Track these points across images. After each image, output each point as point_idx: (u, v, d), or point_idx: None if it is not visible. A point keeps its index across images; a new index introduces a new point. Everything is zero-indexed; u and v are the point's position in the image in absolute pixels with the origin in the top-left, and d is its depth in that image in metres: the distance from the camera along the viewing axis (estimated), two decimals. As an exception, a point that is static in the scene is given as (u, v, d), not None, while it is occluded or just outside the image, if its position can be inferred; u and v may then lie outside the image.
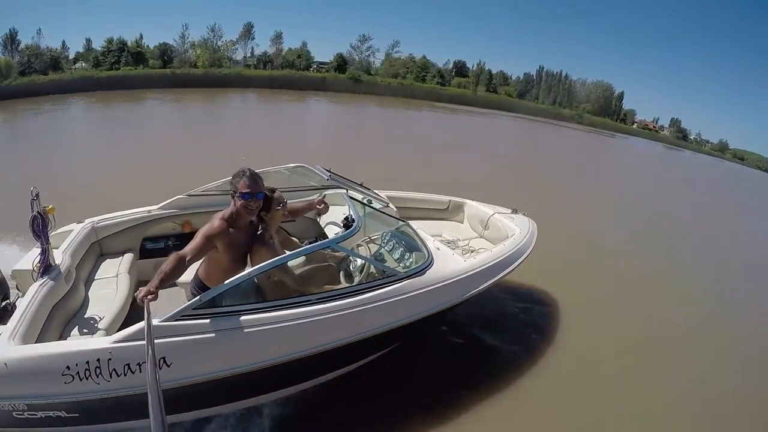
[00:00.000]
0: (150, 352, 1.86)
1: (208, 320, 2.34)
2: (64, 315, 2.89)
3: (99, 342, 2.28)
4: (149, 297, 2.09)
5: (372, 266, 3.15)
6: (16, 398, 2.17)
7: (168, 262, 2.26)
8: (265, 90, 37.74)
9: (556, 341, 4.52)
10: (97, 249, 3.77)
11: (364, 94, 43.92)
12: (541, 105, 63.02)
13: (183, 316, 2.30)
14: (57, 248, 3.19)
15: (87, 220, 3.72)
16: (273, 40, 50.07)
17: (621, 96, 70.61)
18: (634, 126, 70.82)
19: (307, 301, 2.58)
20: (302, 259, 3.34)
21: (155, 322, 2.21)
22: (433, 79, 55.41)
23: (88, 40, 42.20)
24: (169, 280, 2.25)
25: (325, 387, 3.21)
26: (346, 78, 47.35)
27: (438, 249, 3.47)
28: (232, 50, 46.86)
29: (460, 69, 62.09)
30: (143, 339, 1.98)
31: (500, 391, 3.65)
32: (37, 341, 2.42)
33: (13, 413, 2.22)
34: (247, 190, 2.49)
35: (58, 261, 2.98)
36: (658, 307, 5.92)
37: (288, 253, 2.65)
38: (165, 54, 42.44)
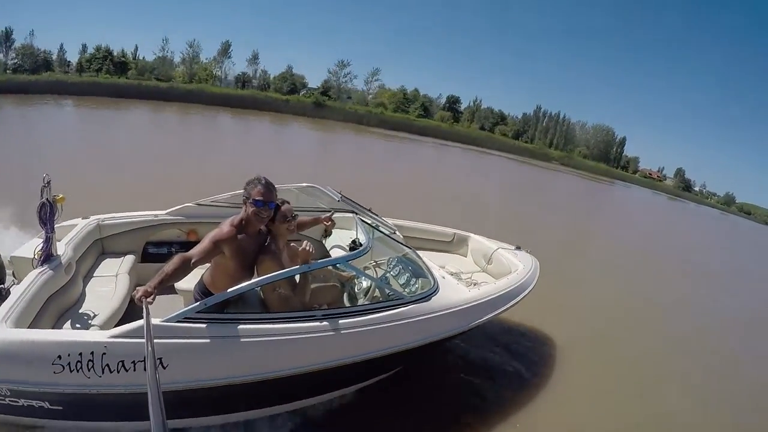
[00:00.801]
0: (150, 349, 1.81)
1: (210, 325, 2.27)
2: (60, 306, 2.82)
3: (96, 335, 2.21)
4: (148, 297, 2.03)
5: (377, 289, 3.11)
6: (1, 382, 2.08)
7: (171, 263, 2.21)
8: (226, 108, 38.78)
9: (556, 375, 4.52)
10: (99, 247, 3.72)
11: (322, 118, 44.81)
12: (525, 144, 62.47)
13: (186, 318, 2.23)
14: (59, 240, 3.15)
15: (92, 217, 3.70)
16: (249, 60, 52.63)
17: (623, 142, 70.17)
18: (636, 174, 70.23)
19: (311, 316, 2.52)
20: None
21: (156, 321, 2.15)
22: (415, 111, 56.89)
23: (84, 46, 44.16)
24: (170, 281, 2.20)
25: (326, 405, 3.14)
26: (310, 102, 48.82)
27: (443, 277, 3.44)
28: (217, 68, 49.19)
29: (453, 104, 63.64)
30: (142, 337, 1.92)
31: (498, 420, 3.62)
32: (30, 328, 2.35)
33: None
34: (260, 198, 2.46)
35: (60, 252, 2.94)
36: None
37: (294, 267, 2.60)
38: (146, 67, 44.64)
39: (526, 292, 3.86)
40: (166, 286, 2.21)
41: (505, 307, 3.55)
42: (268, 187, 2.51)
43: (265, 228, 2.66)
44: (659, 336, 6.43)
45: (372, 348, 2.68)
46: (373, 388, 3.32)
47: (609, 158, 68.02)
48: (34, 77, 34.89)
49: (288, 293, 2.60)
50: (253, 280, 2.39)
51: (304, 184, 4.27)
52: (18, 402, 2.17)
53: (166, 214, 3.91)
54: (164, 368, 2.17)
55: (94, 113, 23.91)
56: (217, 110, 36.50)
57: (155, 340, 2.08)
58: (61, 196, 2.80)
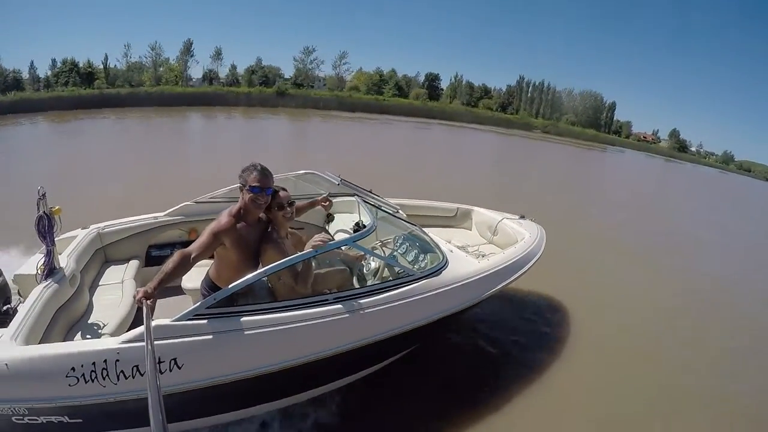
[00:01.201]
0: (149, 348, 1.76)
1: (221, 320, 2.24)
2: (68, 319, 2.79)
3: (106, 342, 2.16)
4: (148, 299, 2.00)
5: (386, 269, 3.08)
6: (17, 401, 2.04)
7: (171, 260, 2.16)
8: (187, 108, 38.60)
9: (569, 341, 4.56)
10: (102, 255, 3.69)
11: (282, 107, 44.55)
12: (508, 115, 60.67)
13: (196, 315, 2.19)
14: (61, 253, 3.11)
15: (92, 226, 3.66)
16: (213, 56, 52.22)
17: (612, 107, 68.25)
18: (629, 138, 68.67)
19: (324, 300, 2.49)
20: (314, 262, 3.26)
21: (167, 321, 2.13)
22: (389, 92, 56.36)
23: (53, 61, 43.60)
24: (170, 279, 2.15)
25: (343, 390, 3.15)
26: (273, 92, 48.44)
27: (451, 251, 3.42)
28: (186, 68, 48.92)
29: (432, 81, 62.61)
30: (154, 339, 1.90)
31: (516, 392, 3.66)
32: (41, 343, 2.31)
33: (13, 418, 2.08)
34: (257, 184, 2.42)
35: (62, 264, 2.90)
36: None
37: (299, 253, 2.57)
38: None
39: (535, 259, 3.87)
40: (167, 285, 2.18)
41: (515, 276, 3.55)
42: (264, 173, 2.46)
43: (266, 217, 2.62)
44: (664, 300, 6.35)
45: (387, 327, 2.67)
46: (387, 369, 3.33)
47: (599, 124, 66.38)
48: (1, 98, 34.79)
49: (290, 282, 2.56)
50: (259, 270, 2.34)
51: (302, 172, 4.20)
52: (38, 420, 2.12)
53: (165, 215, 3.87)
54: (179, 368, 2.14)
55: (61, 127, 23.85)
56: (183, 110, 36.03)
57: (168, 341, 2.07)
58: (57, 207, 2.76)
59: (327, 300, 2.50)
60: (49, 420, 2.15)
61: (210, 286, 2.50)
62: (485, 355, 4.14)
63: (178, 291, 3.10)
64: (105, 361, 2.06)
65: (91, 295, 3.21)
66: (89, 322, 2.90)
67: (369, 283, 3.12)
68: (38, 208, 2.63)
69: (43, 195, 2.62)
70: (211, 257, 2.48)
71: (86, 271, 3.29)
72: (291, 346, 2.37)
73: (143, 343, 2.04)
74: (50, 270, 2.76)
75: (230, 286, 2.26)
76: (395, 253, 3.48)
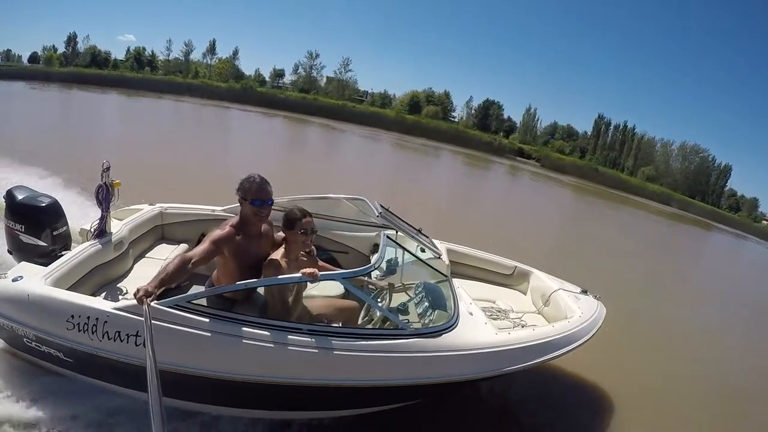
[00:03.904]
0: (149, 344, 1.89)
1: (194, 315, 2.36)
2: (103, 278, 3.15)
3: (103, 304, 2.45)
4: (148, 297, 2.13)
5: (385, 315, 2.94)
6: (30, 327, 2.50)
7: (172, 263, 2.33)
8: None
9: None
10: (160, 232, 4.09)
11: (267, 106, 45.90)
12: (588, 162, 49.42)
13: (176, 305, 2.36)
14: (121, 220, 3.54)
15: (158, 204, 4.07)
16: (206, 52, 59.73)
17: (726, 171, 50.68)
18: (755, 220, 49.90)
19: (296, 329, 2.44)
20: (337, 290, 3.30)
21: (154, 303, 2.26)
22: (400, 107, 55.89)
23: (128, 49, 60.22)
24: (170, 281, 2.30)
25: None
26: (266, 91, 53.70)
27: (471, 314, 3.08)
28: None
29: (486, 110, 58.96)
30: (138, 315, 2.16)
31: None
32: (68, 290, 2.65)
33: (24, 339, 2.59)
34: (259, 197, 2.48)
35: (114, 230, 3.28)
36: None
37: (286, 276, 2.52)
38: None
39: (573, 345, 3.26)
40: (167, 287, 2.34)
41: (535, 361, 3.04)
42: (263, 185, 2.51)
43: (283, 238, 2.67)
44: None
45: (354, 375, 2.50)
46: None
47: (703, 191, 50.40)
48: (101, 71, 51.02)
49: (278, 302, 2.57)
50: (240, 282, 2.44)
51: (353, 197, 4.22)
52: (41, 347, 2.58)
53: (221, 210, 4.11)
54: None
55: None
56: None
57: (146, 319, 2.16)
58: (117, 181, 3.13)
59: (301, 330, 2.44)
60: (50, 351, 2.59)
61: None
62: (514, 420, 3.71)
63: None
64: (97, 319, 2.37)
65: (135, 263, 3.57)
66: (119, 285, 3.23)
67: (369, 325, 2.97)
68: (101, 178, 3.02)
69: (107, 168, 3.02)
70: None
71: (138, 242, 3.68)
72: (241, 360, 2.38)
73: (128, 315, 2.32)
74: (100, 232, 3.16)
75: (210, 289, 2.46)
76: (410, 302, 3.25)
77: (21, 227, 2.97)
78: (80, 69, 51.88)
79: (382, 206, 4.13)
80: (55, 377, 2.73)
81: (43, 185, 5.76)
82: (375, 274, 3.33)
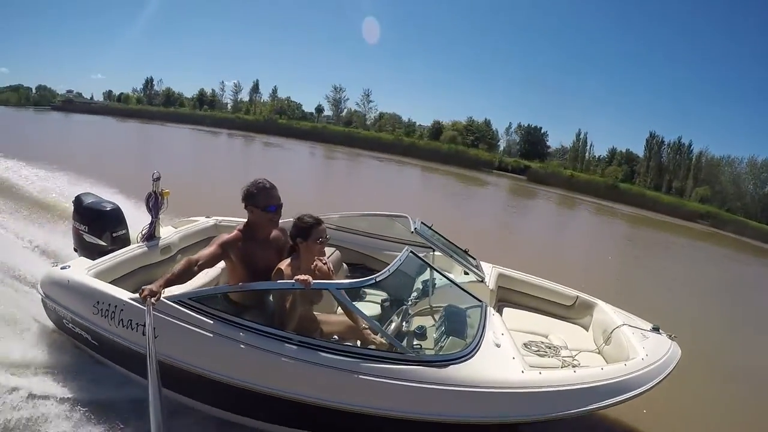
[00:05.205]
0: (151, 345, 1.95)
1: (194, 313, 2.43)
2: (146, 278, 3.38)
3: (121, 293, 2.68)
4: (152, 297, 2.22)
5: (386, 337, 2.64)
6: (68, 309, 2.83)
7: (178, 265, 2.43)
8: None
9: None
10: None
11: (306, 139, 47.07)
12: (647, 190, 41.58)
13: (179, 301, 2.45)
14: (176, 228, 3.88)
15: (213, 217, 4.38)
16: (250, 91, 65.20)
17: None
18: None
19: (287, 338, 2.33)
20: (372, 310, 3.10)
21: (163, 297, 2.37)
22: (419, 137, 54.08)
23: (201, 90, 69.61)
24: (176, 282, 2.39)
25: None
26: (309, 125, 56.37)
27: (497, 346, 2.64)
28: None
29: (529, 137, 54.03)
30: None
31: None
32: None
33: (63, 319, 2.95)
34: (270, 202, 2.50)
35: (163, 236, 3.60)
36: None
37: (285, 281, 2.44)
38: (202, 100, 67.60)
39: (622, 397, 2.57)
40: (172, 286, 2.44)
41: (562, 412, 2.44)
42: (274, 190, 2.55)
43: (294, 245, 2.62)
44: None
45: (332, 397, 2.27)
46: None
47: None
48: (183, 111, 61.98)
49: (279, 311, 2.48)
50: (237, 284, 2.47)
51: (396, 214, 4.22)
52: (75, 329, 2.90)
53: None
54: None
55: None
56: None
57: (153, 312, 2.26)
58: (167, 190, 3.47)
59: (291, 339, 2.32)
60: (81, 333, 2.89)
61: None
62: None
63: None
64: (116, 306, 2.61)
65: None
66: None
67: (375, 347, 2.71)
68: (152, 187, 3.37)
69: (158, 178, 3.36)
70: None
71: (189, 250, 3.91)
72: (230, 364, 2.36)
73: (139, 305, 2.46)
74: (149, 236, 3.49)
75: (212, 288, 2.54)
76: (433, 326, 2.92)
77: (85, 228, 3.42)
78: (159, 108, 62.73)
79: (423, 223, 3.93)
80: (101, 367, 2.97)
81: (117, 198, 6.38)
82: (413, 295, 3.18)
